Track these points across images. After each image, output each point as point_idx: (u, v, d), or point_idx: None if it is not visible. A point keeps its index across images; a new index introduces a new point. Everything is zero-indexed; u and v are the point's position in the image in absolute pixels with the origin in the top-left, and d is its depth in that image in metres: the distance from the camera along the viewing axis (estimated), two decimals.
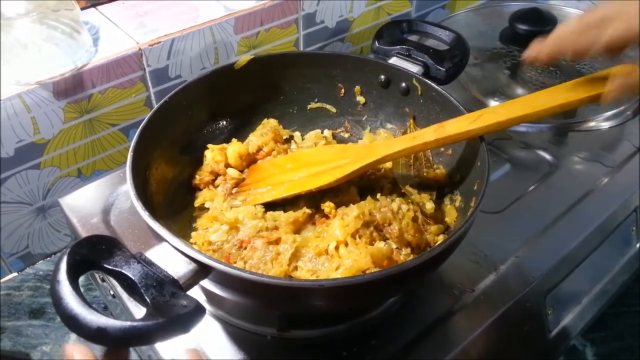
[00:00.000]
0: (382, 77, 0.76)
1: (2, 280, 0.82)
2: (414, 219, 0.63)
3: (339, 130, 0.82)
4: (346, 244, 0.59)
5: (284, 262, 0.58)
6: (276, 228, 0.63)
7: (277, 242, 0.60)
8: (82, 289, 0.44)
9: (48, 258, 0.85)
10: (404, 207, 0.64)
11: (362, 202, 0.64)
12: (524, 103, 0.62)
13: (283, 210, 0.66)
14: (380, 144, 0.70)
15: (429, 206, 0.66)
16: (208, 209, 0.69)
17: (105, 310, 0.76)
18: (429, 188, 0.69)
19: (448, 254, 0.54)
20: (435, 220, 0.66)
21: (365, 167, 0.66)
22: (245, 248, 0.61)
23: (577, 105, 0.61)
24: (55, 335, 0.74)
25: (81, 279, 0.46)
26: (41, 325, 0.75)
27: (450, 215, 0.66)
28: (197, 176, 0.72)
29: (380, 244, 0.59)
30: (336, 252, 0.59)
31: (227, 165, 0.72)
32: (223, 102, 0.76)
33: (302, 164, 0.70)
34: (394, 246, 0.61)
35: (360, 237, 0.60)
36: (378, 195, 0.65)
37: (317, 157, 0.70)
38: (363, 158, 0.66)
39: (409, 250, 0.62)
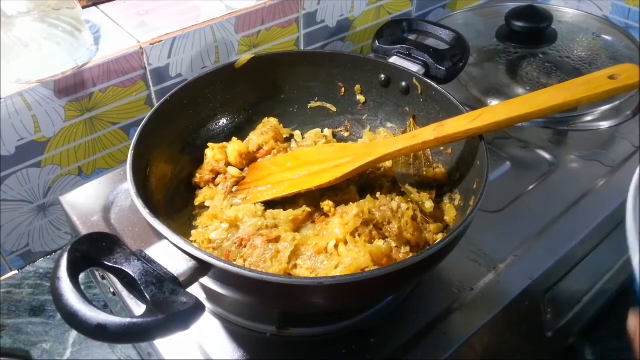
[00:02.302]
0: (383, 76, 0.76)
1: (3, 278, 0.82)
2: (414, 218, 0.63)
3: (339, 129, 0.82)
4: (345, 243, 0.59)
5: (283, 260, 0.58)
6: (276, 226, 0.63)
7: (276, 240, 0.61)
8: (82, 287, 0.44)
9: (48, 256, 0.86)
10: (404, 205, 0.64)
11: (361, 201, 0.64)
12: (523, 102, 0.62)
13: (283, 208, 0.66)
14: (380, 142, 0.70)
15: (429, 205, 0.66)
16: (208, 207, 0.69)
17: (105, 308, 0.77)
18: (428, 187, 0.69)
19: (447, 252, 0.54)
20: (434, 219, 0.66)
21: (365, 166, 0.66)
22: (245, 246, 0.61)
23: (575, 105, 0.61)
24: (56, 333, 0.75)
25: (81, 277, 0.46)
26: (41, 323, 0.76)
27: (450, 214, 0.66)
28: (197, 174, 0.72)
29: (379, 243, 0.60)
30: (335, 251, 0.59)
31: (228, 164, 0.73)
32: (223, 101, 0.76)
33: (302, 163, 0.70)
34: (393, 245, 0.61)
35: (359, 235, 0.60)
36: (378, 194, 0.66)
37: (317, 156, 0.71)
38: (363, 157, 0.66)
39: (408, 248, 0.62)
